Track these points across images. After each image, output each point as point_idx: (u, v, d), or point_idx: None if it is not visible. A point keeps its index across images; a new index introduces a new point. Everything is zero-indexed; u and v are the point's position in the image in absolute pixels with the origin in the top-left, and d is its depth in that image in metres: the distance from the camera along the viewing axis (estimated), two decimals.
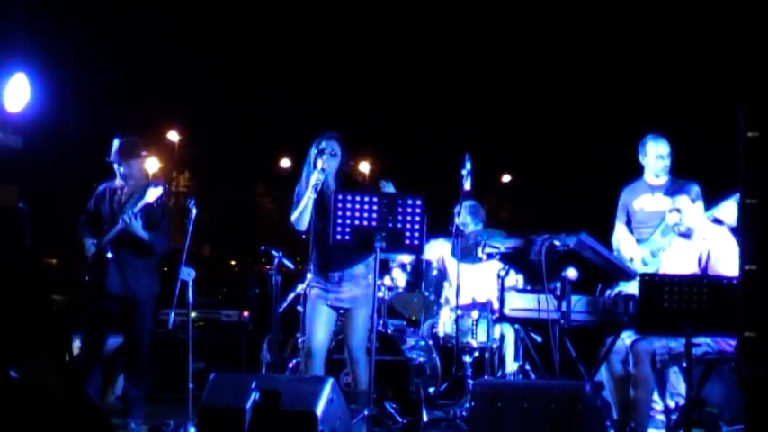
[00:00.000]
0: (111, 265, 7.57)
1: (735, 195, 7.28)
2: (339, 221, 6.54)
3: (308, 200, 6.90)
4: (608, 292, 6.96)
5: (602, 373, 6.85)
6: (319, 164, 6.91)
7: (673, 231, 7.03)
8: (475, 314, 8.09)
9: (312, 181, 6.88)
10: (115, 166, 7.75)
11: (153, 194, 7.44)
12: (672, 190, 6.97)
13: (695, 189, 6.88)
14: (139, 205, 7.46)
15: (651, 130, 8.07)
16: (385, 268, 8.45)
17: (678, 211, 6.83)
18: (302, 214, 6.95)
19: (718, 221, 7.21)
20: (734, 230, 6.96)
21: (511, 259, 7.11)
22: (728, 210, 7.28)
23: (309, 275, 7.22)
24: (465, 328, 8.09)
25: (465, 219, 8.51)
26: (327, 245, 6.80)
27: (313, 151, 7.02)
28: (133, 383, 7.75)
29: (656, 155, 7.94)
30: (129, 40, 19.75)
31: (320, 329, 7.01)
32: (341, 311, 7.07)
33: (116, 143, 7.73)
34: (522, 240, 6.96)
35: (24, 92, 9.69)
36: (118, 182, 7.76)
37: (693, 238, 6.86)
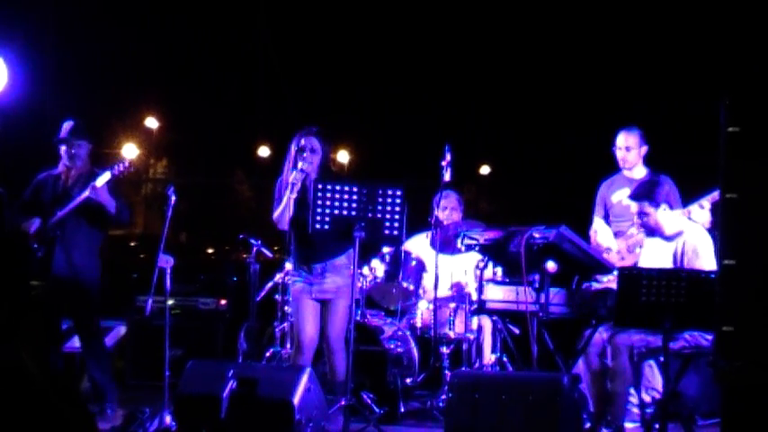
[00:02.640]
0: (57, 245, 7.53)
1: (707, 195, 7.30)
2: (318, 210, 6.54)
3: (287, 200, 6.92)
4: (592, 284, 6.97)
5: (580, 366, 6.87)
6: (300, 164, 6.94)
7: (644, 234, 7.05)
8: (453, 305, 8.09)
9: (290, 180, 6.91)
10: (63, 147, 7.70)
11: (112, 172, 7.45)
12: (633, 194, 6.94)
13: (662, 191, 6.83)
14: (103, 180, 7.44)
15: (625, 123, 8.09)
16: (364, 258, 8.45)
17: (646, 214, 6.82)
18: (282, 214, 7.00)
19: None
20: (710, 229, 6.98)
21: (490, 251, 7.12)
22: (698, 211, 7.30)
23: (288, 265, 7.22)
24: (443, 319, 8.09)
25: (451, 203, 8.51)
26: (310, 238, 6.84)
27: (293, 148, 7.04)
28: (95, 367, 7.73)
29: (617, 145, 7.98)
30: (108, 26, 19.62)
31: (309, 324, 7.05)
32: (323, 303, 7.08)
33: (69, 123, 7.69)
34: (502, 232, 6.96)
35: (2, 76, 9.63)
36: (61, 167, 7.71)
37: (666, 234, 6.86)
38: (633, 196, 6.92)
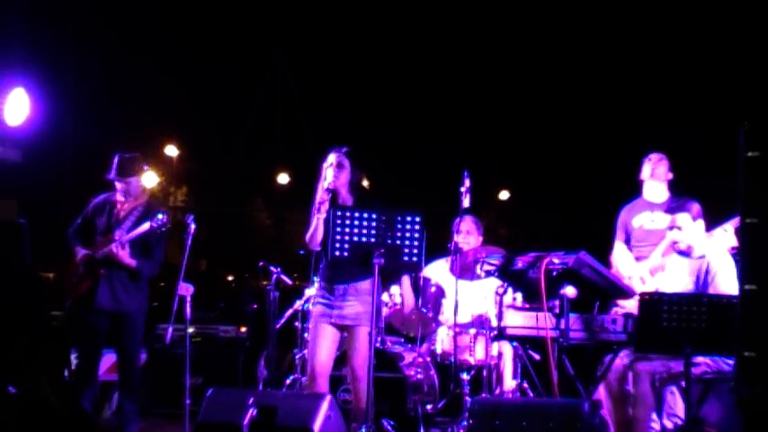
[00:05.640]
0: (101, 279, 7.57)
1: (730, 220, 7.28)
2: (338, 237, 6.53)
3: (317, 220, 6.91)
4: (614, 309, 6.96)
5: (600, 392, 6.84)
6: (325, 183, 6.94)
7: (672, 249, 7.03)
8: (473, 331, 8.08)
9: (316, 200, 6.91)
10: (116, 183, 7.79)
11: (150, 226, 7.51)
12: (672, 207, 6.98)
13: (696, 207, 6.88)
14: (130, 235, 7.51)
15: (654, 148, 8.12)
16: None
17: (678, 228, 6.83)
18: (314, 234, 6.95)
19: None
20: (733, 254, 6.96)
21: (509, 277, 7.10)
22: (723, 236, 7.27)
23: (309, 291, 7.20)
24: (463, 346, 8.07)
25: (468, 226, 8.52)
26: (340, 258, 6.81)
27: (325, 164, 7.06)
28: (127, 398, 7.74)
29: (647, 158, 8.02)
30: (128, 56, 19.77)
31: (323, 350, 6.99)
32: (344, 330, 7.04)
33: (115, 160, 7.77)
34: (523, 258, 6.94)
35: (24, 106, 9.71)
36: (118, 196, 7.79)
37: (692, 256, 6.86)
38: (669, 210, 6.93)
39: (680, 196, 7.52)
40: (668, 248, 7.43)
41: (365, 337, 6.92)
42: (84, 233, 7.79)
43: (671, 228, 6.91)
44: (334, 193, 6.99)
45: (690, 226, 6.82)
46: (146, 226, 7.52)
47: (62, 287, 7.77)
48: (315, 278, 7.23)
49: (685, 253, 6.89)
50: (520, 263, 6.87)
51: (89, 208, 7.87)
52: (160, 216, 7.56)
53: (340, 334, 7.05)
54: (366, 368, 6.93)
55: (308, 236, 6.99)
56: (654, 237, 7.85)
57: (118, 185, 7.77)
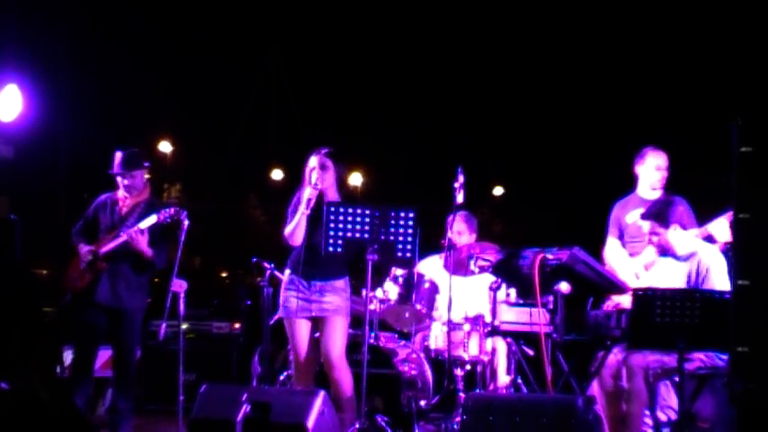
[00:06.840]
0: (103, 274, 7.55)
1: (727, 213, 7.26)
2: (331, 233, 6.56)
3: (301, 215, 6.92)
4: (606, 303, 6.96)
5: (594, 388, 6.84)
6: (312, 179, 6.95)
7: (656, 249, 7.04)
8: (467, 327, 8.07)
9: (305, 196, 6.92)
10: (118, 178, 7.75)
11: (158, 218, 7.48)
12: (646, 214, 6.95)
13: (677, 210, 6.84)
14: (148, 223, 7.47)
15: (649, 144, 8.09)
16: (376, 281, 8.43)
17: (654, 234, 6.83)
18: (295, 230, 6.98)
19: (709, 239, 7.18)
20: (724, 251, 6.94)
21: (503, 272, 7.10)
22: (719, 227, 7.26)
23: (287, 273, 7.19)
24: (457, 342, 8.06)
25: (460, 227, 8.51)
26: (317, 256, 6.82)
27: (306, 168, 7.07)
28: (121, 395, 7.71)
29: (654, 165, 7.96)
30: (122, 52, 19.75)
31: (305, 344, 7.06)
32: (317, 322, 7.07)
33: (118, 155, 7.74)
34: (514, 253, 6.94)
35: (16, 102, 9.70)
36: (120, 193, 7.76)
37: (679, 256, 6.84)
38: (644, 216, 6.92)
39: (666, 195, 7.52)
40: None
41: (340, 325, 6.99)
42: (88, 232, 7.77)
43: (650, 233, 6.92)
44: (320, 194, 7.00)
45: (662, 231, 6.80)
46: (153, 218, 7.50)
47: (63, 282, 7.76)
48: (287, 271, 7.23)
49: (670, 255, 6.88)
50: (516, 259, 6.88)
51: (90, 208, 7.86)
52: (167, 208, 7.55)
53: (312, 325, 7.09)
54: (343, 358, 6.98)
55: (288, 230, 7.03)
56: None
57: (123, 181, 7.73)
